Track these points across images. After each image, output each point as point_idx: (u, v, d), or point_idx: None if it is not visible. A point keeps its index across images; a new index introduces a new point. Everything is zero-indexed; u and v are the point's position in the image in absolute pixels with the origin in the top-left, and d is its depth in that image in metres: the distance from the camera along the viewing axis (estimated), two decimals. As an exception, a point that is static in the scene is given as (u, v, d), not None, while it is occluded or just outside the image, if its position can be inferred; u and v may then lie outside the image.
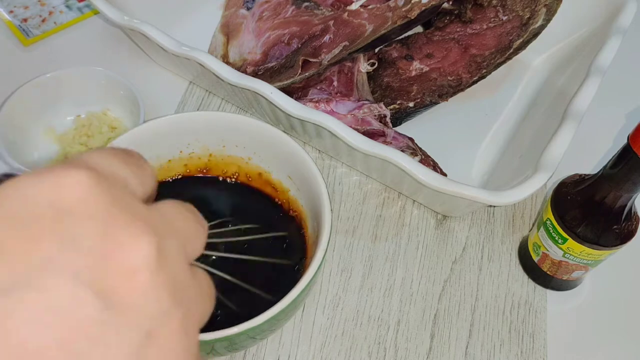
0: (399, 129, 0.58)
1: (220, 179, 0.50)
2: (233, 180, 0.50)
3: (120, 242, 0.17)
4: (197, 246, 0.21)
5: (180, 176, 0.50)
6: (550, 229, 0.47)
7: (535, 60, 0.67)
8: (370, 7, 0.57)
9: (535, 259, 0.51)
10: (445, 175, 0.52)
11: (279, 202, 0.48)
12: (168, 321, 0.18)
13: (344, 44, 0.56)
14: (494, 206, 0.57)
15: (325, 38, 0.57)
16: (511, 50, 0.60)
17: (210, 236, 0.41)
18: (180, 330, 0.18)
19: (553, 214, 0.47)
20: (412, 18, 0.55)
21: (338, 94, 0.57)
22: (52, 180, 0.17)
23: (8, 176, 0.21)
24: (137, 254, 0.17)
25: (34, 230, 0.16)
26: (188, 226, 0.20)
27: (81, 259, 0.16)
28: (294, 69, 0.56)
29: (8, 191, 0.16)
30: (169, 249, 0.18)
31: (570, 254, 0.47)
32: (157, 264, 0.17)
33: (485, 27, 0.61)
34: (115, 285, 0.16)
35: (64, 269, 0.15)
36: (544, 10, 0.59)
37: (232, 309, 0.42)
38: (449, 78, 0.60)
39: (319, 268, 0.39)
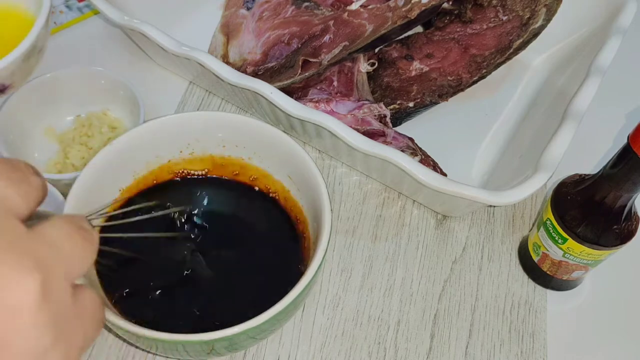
0: (399, 129, 0.58)
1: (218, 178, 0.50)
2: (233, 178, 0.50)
3: (3, 281, 0.17)
4: (84, 266, 0.21)
5: (178, 178, 0.50)
6: (550, 229, 0.47)
7: (535, 60, 0.67)
8: (370, 7, 0.57)
9: (535, 259, 0.51)
10: (445, 175, 0.52)
11: (283, 205, 0.48)
12: (51, 355, 0.18)
13: (344, 44, 0.56)
14: (494, 206, 0.57)
15: (325, 38, 0.57)
16: (511, 50, 0.60)
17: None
18: None
19: (553, 214, 0.47)
20: (412, 18, 0.55)
21: (338, 94, 0.57)
22: None
23: None
24: (21, 292, 0.17)
25: None
26: (74, 249, 0.20)
27: None
28: (294, 69, 0.56)
29: None
30: (53, 282, 0.18)
31: (570, 254, 0.47)
32: (41, 300, 0.18)
33: (485, 27, 0.61)
34: None
35: None
36: (544, 10, 0.59)
37: (230, 308, 0.42)
38: (449, 78, 0.60)
39: (319, 268, 0.39)
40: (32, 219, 0.20)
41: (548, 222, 0.48)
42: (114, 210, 0.45)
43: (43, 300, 0.18)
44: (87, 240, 0.21)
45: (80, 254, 0.21)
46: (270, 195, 0.49)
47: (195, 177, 0.50)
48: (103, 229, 0.41)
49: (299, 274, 0.39)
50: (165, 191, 0.49)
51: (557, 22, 0.60)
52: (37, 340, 0.18)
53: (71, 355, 0.19)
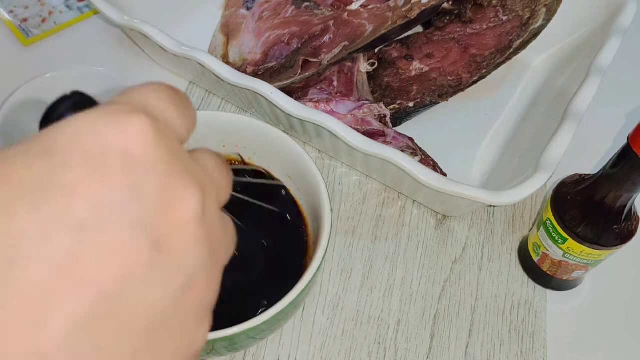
0: (399, 129, 0.58)
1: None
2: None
3: (175, 194, 0.18)
4: (227, 194, 0.22)
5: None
6: (550, 229, 0.47)
7: (535, 60, 0.67)
8: (370, 7, 0.57)
9: (535, 259, 0.51)
10: (445, 175, 0.52)
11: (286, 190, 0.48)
12: (204, 271, 0.19)
13: (344, 44, 0.56)
14: (494, 206, 0.57)
15: (325, 38, 0.57)
16: (511, 50, 0.60)
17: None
18: (210, 280, 0.19)
19: (553, 214, 0.47)
20: (412, 18, 0.55)
21: (338, 94, 0.57)
22: (117, 125, 0.18)
23: (77, 94, 0.21)
24: (189, 206, 0.18)
25: (107, 173, 0.17)
26: (222, 176, 0.22)
27: (142, 207, 0.17)
28: (294, 69, 0.56)
29: (81, 128, 0.17)
30: (209, 202, 0.20)
31: (570, 254, 0.47)
32: (201, 217, 0.19)
33: (485, 27, 0.61)
34: (167, 234, 0.18)
35: (127, 214, 0.17)
36: (544, 10, 0.59)
37: (232, 304, 0.42)
38: (449, 78, 0.60)
39: (319, 268, 0.39)
40: None
41: (548, 222, 0.48)
42: None
43: (202, 217, 0.19)
44: (229, 171, 0.23)
45: (225, 182, 0.22)
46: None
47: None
48: None
49: (299, 274, 0.39)
50: None
51: (557, 22, 0.60)
52: (196, 255, 0.19)
53: (217, 273, 0.20)
